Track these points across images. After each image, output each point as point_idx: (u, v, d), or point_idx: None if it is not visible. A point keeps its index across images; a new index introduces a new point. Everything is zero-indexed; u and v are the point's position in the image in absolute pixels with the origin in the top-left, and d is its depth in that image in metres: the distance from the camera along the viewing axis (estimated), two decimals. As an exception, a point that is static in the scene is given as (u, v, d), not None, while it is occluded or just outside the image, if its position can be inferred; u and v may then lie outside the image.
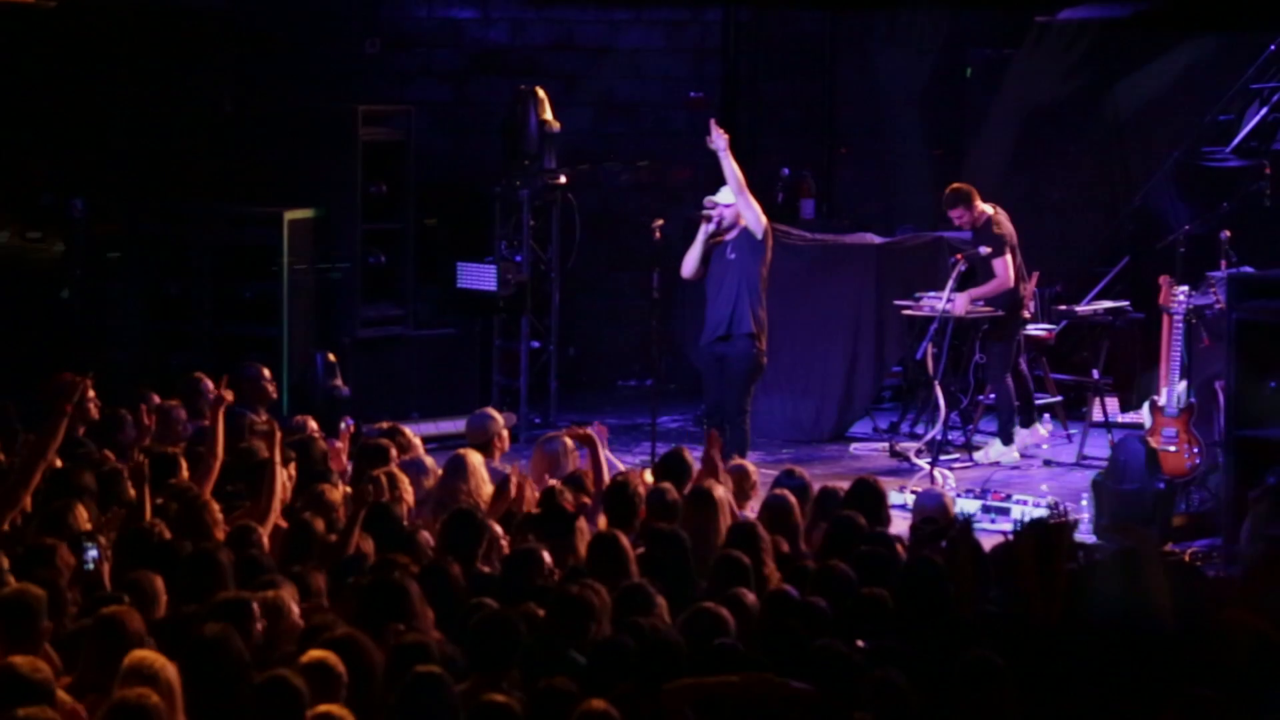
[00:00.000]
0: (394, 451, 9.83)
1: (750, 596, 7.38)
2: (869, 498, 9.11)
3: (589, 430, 9.67)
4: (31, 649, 6.43)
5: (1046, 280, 14.70)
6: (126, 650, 6.27)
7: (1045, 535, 7.49)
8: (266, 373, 11.51)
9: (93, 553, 7.33)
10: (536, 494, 9.30)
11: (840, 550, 8.15)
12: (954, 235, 14.60)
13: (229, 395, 9.39)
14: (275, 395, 11.50)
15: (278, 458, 8.63)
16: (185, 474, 9.28)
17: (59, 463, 8.62)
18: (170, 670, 5.99)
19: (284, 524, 8.58)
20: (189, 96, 15.12)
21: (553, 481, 9.38)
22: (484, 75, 16.19)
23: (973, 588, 7.60)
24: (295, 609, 7.03)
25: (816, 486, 9.56)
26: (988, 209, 13.74)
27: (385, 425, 10.62)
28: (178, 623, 6.82)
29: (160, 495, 8.78)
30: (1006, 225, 13.70)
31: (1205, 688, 6.34)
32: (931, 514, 9.30)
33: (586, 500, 8.97)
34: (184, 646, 6.40)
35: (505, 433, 10.65)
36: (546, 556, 7.83)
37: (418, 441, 10.32)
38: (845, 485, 9.49)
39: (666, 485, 9.13)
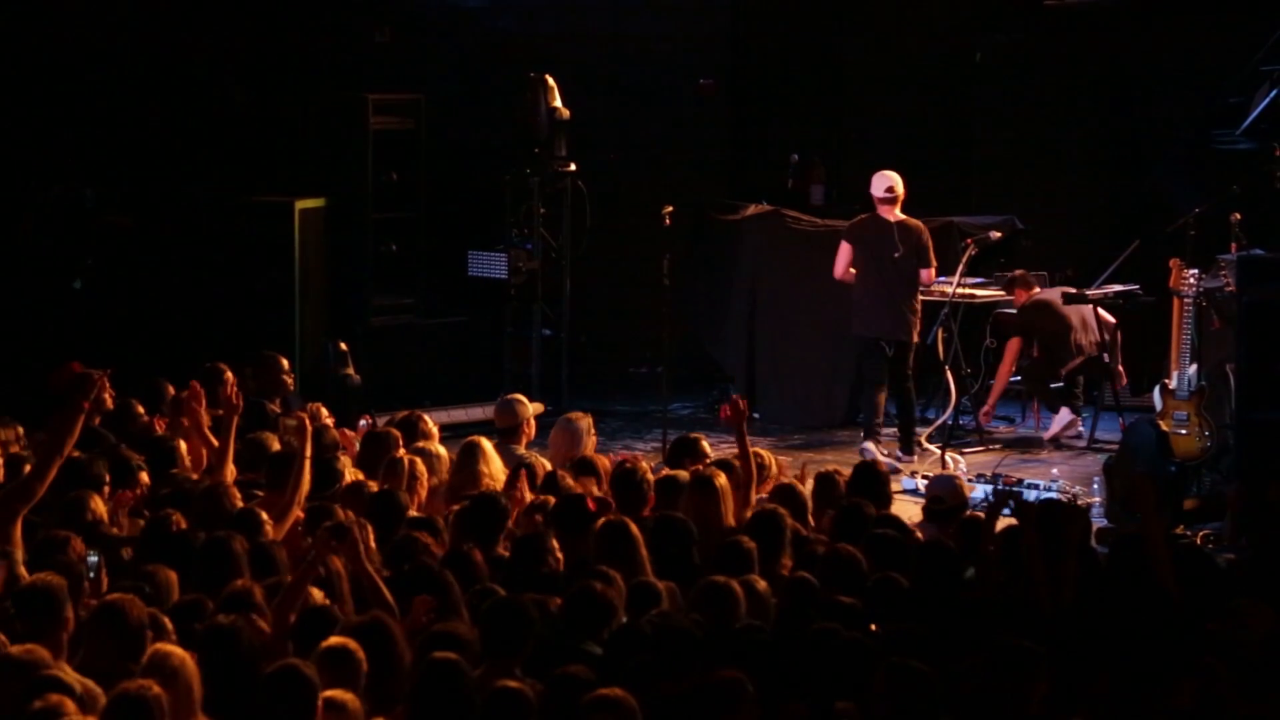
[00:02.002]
0: (401, 441, 9.83)
1: (761, 583, 7.39)
2: (871, 481, 9.14)
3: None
4: (53, 639, 6.47)
5: (1057, 264, 14.72)
6: (129, 637, 6.30)
7: (1055, 521, 7.54)
8: (285, 363, 11.57)
9: (92, 559, 7.35)
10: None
11: (850, 536, 8.17)
12: (964, 219, 14.61)
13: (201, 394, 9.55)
14: (293, 387, 11.53)
15: (307, 453, 8.65)
16: (188, 463, 9.37)
17: (76, 453, 8.66)
18: (190, 664, 6.02)
19: (301, 514, 8.61)
20: (200, 86, 15.15)
21: (560, 471, 9.38)
22: (494, 63, 16.17)
23: (997, 564, 7.63)
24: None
25: (816, 471, 9.60)
26: (1035, 293, 13.93)
27: (404, 414, 10.61)
28: (190, 613, 6.86)
29: (165, 485, 8.86)
30: (1038, 309, 13.85)
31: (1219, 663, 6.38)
32: (940, 495, 9.34)
33: (600, 490, 8.97)
34: (197, 637, 6.45)
35: (533, 419, 10.68)
36: (554, 543, 7.84)
37: (436, 430, 10.34)
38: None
39: (677, 472, 9.16)
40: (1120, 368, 14.01)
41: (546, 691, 6.15)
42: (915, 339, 13.38)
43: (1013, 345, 13.98)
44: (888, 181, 13.46)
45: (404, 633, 6.65)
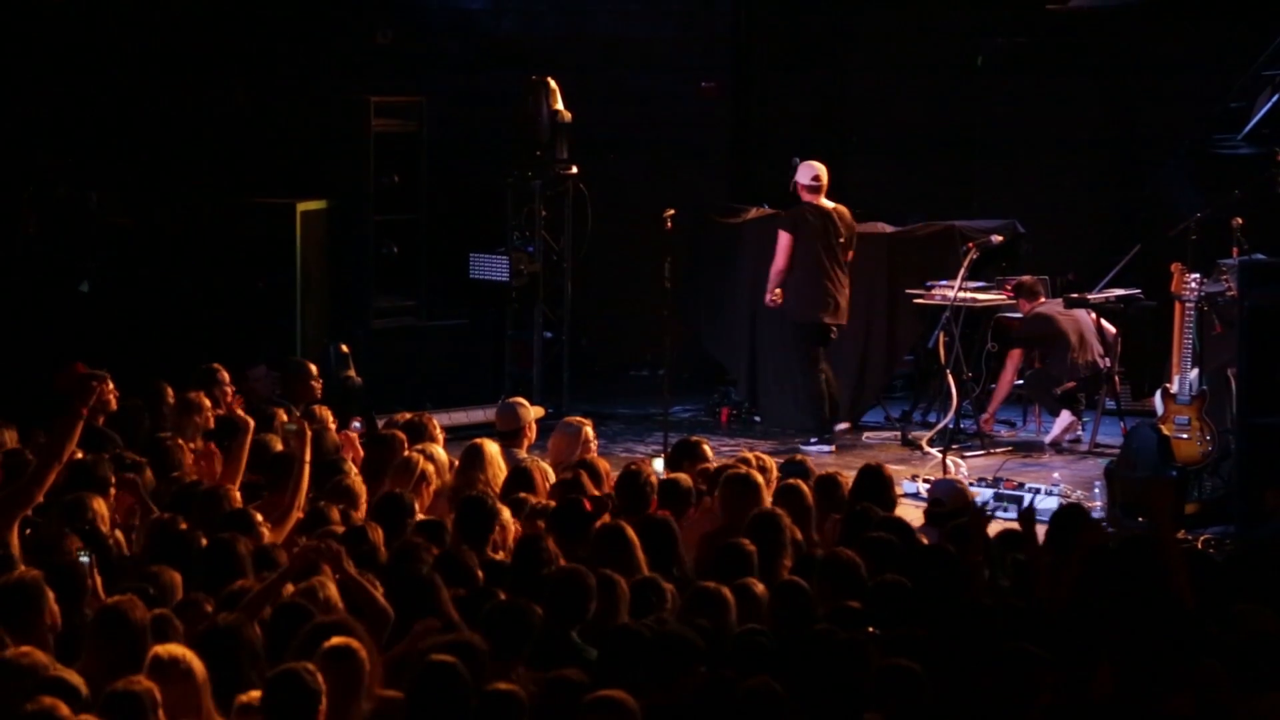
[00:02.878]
0: (406, 442, 9.83)
1: (759, 586, 7.38)
2: (875, 484, 9.13)
3: None
4: (36, 635, 6.46)
5: (1059, 268, 14.72)
6: (130, 640, 6.30)
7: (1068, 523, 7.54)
8: (313, 369, 11.64)
9: (84, 559, 7.33)
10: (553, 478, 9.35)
11: (857, 541, 8.16)
12: (965, 223, 14.61)
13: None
14: (320, 394, 11.55)
15: (307, 458, 8.66)
16: (190, 465, 9.37)
17: (80, 454, 8.68)
18: (194, 663, 6.03)
19: (300, 514, 8.62)
20: (202, 88, 15.16)
21: (567, 473, 9.38)
22: (496, 66, 16.19)
23: (983, 573, 7.63)
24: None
25: (818, 474, 9.59)
26: (1040, 306, 13.88)
27: (409, 416, 10.59)
28: (191, 612, 6.86)
29: (167, 487, 8.86)
30: (1039, 323, 13.81)
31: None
32: (940, 498, 9.33)
33: (600, 491, 8.97)
34: (197, 636, 6.45)
35: (534, 423, 10.69)
36: (551, 545, 7.84)
37: (441, 433, 10.33)
38: (852, 474, 9.50)
39: (678, 475, 9.16)
40: (1117, 377, 13.99)
41: (541, 694, 6.14)
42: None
43: (1014, 355, 13.98)
44: (814, 170, 13.96)
45: (374, 638, 6.64)
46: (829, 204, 13.98)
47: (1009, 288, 14.03)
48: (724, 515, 8.63)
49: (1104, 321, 13.98)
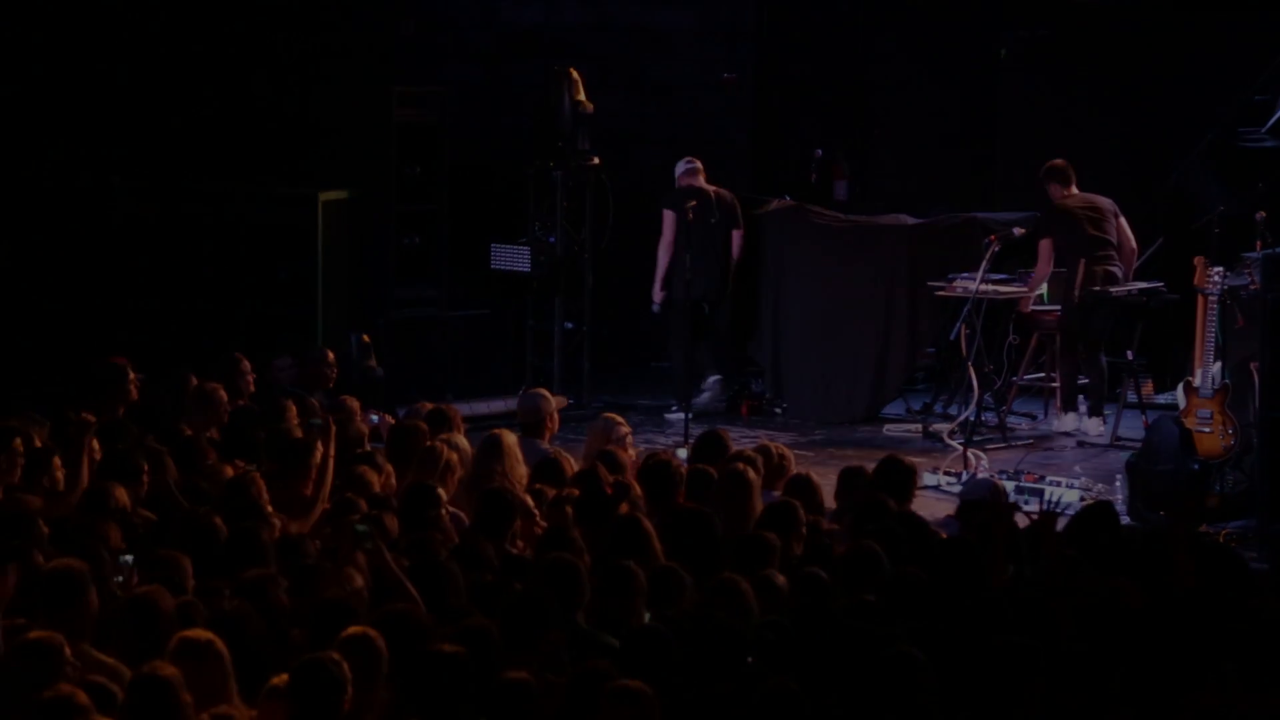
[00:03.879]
0: (428, 432, 9.83)
1: (780, 578, 7.38)
2: (896, 475, 9.11)
3: None
4: (76, 623, 6.49)
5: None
6: (159, 629, 6.32)
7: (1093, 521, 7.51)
8: (330, 356, 11.69)
9: (127, 559, 7.34)
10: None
11: (870, 532, 8.15)
12: (988, 216, 14.58)
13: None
14: (332, 385, 11.60)
15: (331, 452, 8.66)
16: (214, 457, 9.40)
17: (97, 446, 8.71)
18: (219, 645, 6.05)
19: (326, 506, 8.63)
20: (223, 77, 15.18)
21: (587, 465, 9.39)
22: (518, 56, 16.20)
23: (1002, 565, 7.61)
24: None
25: (842, 467, 9.59)
26: (1068, 199, 13.77)
27: (432, 406, 10.59)
28: (203, 599, 6.88)
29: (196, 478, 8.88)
30: (1063, 211, 13.65)
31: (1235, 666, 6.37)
32: (965, 494, 9.32)
33: (624, 481, 8.98)
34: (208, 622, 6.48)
35: (556, 414, 10.70)
36: (579, 539, 7.84)
37: (461, 424, 10.34)
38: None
39: (705, 466, 9.16)
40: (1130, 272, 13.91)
41: (570, 685, 6.15)
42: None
43: (1044, 246, 13.80)
44: (687, 158, 14.60)
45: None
46: (710, 187, 14.41)
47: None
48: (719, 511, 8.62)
49: (1126, 229, 13.85)
